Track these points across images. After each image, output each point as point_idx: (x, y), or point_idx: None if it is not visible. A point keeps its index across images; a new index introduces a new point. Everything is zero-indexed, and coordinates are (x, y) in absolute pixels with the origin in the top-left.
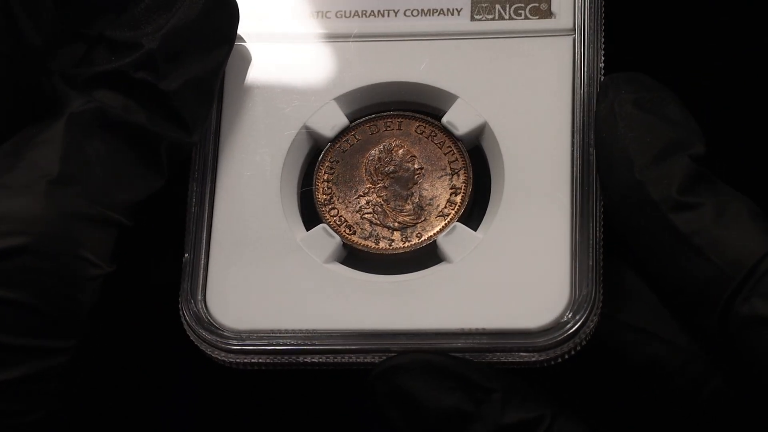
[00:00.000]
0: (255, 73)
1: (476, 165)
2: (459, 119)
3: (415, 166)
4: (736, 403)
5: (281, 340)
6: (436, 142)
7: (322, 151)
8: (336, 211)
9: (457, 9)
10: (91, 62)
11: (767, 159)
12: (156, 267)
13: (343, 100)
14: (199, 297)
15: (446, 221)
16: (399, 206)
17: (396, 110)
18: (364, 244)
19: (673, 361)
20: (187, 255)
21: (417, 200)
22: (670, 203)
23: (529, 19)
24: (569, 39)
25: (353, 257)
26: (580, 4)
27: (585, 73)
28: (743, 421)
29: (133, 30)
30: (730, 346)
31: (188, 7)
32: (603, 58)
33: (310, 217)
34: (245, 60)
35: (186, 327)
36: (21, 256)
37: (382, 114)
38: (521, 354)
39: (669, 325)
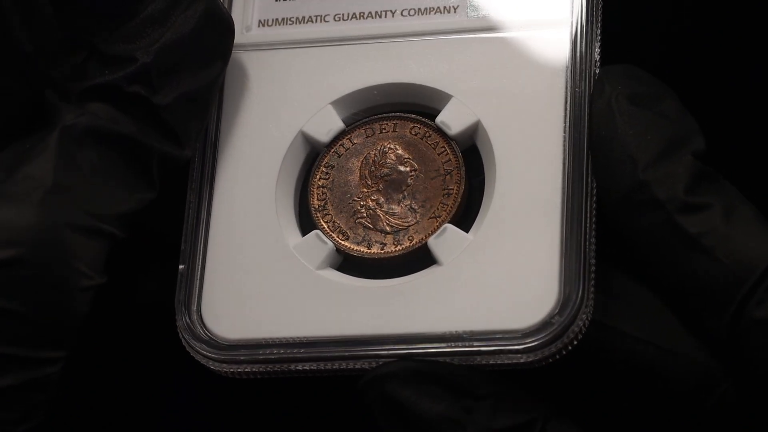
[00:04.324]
0: (251, 79)
1: (472, 165)
2: (452, 119)
3: (409, 169)
4: (740, 411)
5: (275, 349)
6: (429, 143)
7: (318, 155)
8: (330, 216)
9: (453, 6)
10: (85, 75)
11: (763, 157)
12: (153, 276)
13: (339, 103)
14: (194, 307)
15: (438, 223)
16: (392, 209)
17: (391, 112)
18: (356, 249)
19: (671, 369)
20: (182, 266)
21: (409, 203)
22: (677, 203)
23: (523, 15)
24: (565, 35)
25: (347, 262)
26: (575, 1)
27: (579, 71)
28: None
29: (127, 44)
30: (740, 350)
31: (183, 22)
32: (598, 55)
33: (307, 222)
34: (241, 66)
35: (181, 337)
36: (13, 266)
37: (378, 116)
38: (509, 355)
39: (666, 333)
